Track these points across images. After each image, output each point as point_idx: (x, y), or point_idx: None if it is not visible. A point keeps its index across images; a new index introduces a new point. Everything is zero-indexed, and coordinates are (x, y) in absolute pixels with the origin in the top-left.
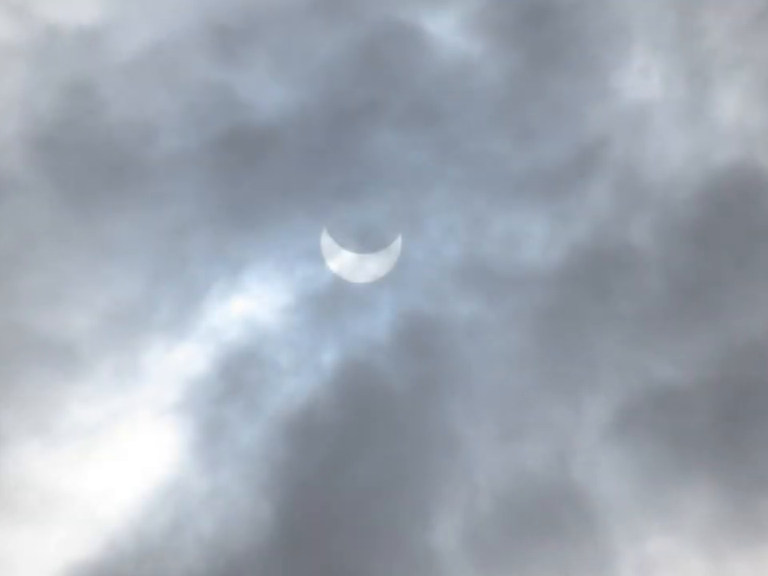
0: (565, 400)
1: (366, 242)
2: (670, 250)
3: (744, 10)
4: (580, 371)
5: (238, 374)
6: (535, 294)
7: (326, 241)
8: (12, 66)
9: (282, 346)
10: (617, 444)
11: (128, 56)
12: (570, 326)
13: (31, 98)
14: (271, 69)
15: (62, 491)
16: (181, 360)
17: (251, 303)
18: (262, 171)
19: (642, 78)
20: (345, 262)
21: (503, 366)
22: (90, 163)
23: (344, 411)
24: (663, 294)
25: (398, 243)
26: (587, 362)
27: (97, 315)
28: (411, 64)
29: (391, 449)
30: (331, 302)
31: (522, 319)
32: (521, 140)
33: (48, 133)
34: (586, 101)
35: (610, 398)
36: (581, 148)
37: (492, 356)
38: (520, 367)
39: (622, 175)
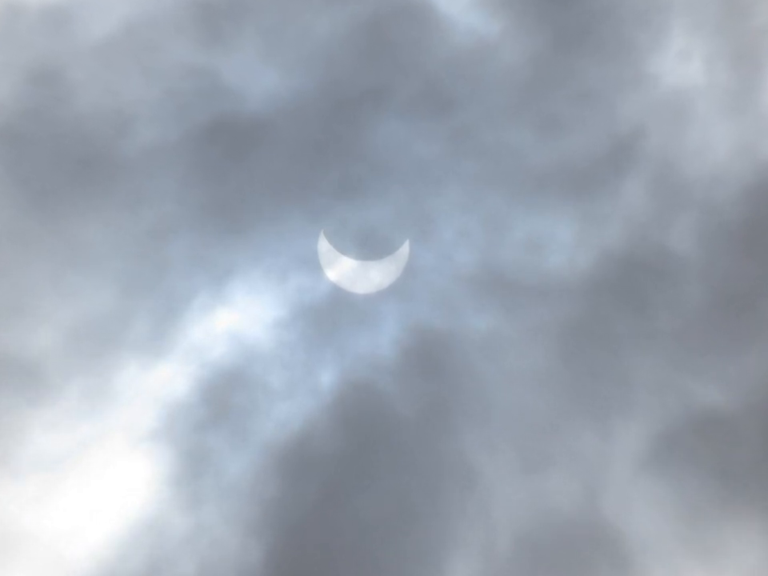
0: (594, 426)
1: (369, 247)
2: (713, 255)
3: None
4: (611, 393)
5: (223, 398)
6: (561, 306)
7: (323, 246)
8: None
9: (274, 365)
10: (653, 476)
11: (99, 37)
12: (600, 342)
13: None
14: (261, 51)
15: (24, 529)
16: (158, 382)
17: (238, 317)
18: (250, 167)
19: (681, 62)
20: (345, 270)
21: (524, 388)
22: (57, 157)
23: (344, 439)
24: (706, 306)
25: (405, 249)
26: (620, 383)
27: (63, 331)
28: (420, 46)
29: (398, 482)
30: (329, 315)
31: (545, 334)
32: (544, 131)
33: (10, 123)
34: (618, 87)
35: (645, 425)
36: (612, 140)
37: (511, 376)
38: (543, 389)
39: (659, 171)
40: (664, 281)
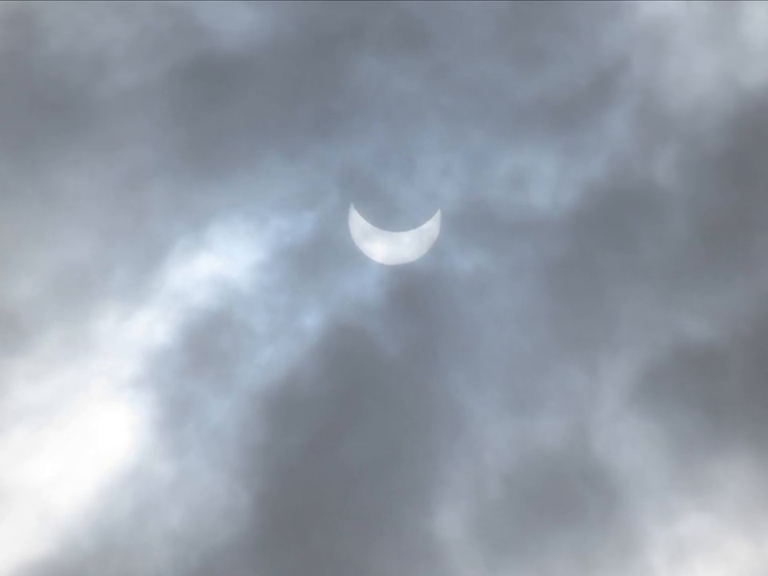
0: (582, 363)
1: (350, 187)
2: (698, 187)
3: None
4: (598, 329)
5: (206, 343)
6: (546, 243)
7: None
8: None
9: (257, 309)
10: (642, 412)
11: None
12: (586, 278)
13: None
14: None
15: (9, 481)
16: (140, 328)
17: (219, 262)
18: (228, 108)
19: None
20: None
21: (511, 326)
22: (31, 102)
23: (330, 382)
24: (693, 240)
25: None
26: (606, 318)
27: (42, 279)
28: None
29: (385, 423)
30: (311, 257)
31: (530, 271)
32: (524, 64)
33: None
34: (598, 16)
35: (633, 360)
36: (594, 72)
37: (498, 315)
38: (530, 327)
39: (642, 103)
40: (649, 214)
